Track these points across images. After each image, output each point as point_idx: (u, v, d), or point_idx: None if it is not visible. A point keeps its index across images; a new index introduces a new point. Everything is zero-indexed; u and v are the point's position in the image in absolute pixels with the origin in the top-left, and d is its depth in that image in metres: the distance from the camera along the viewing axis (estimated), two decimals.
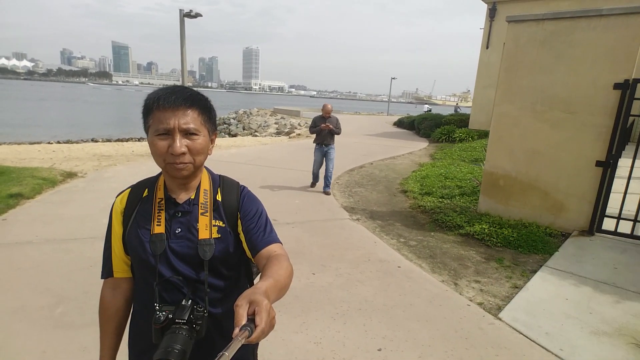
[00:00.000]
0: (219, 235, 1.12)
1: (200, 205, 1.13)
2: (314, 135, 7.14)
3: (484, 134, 13.43)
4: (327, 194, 6.89)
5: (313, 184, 7.37)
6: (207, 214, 1.13)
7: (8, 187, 5.79)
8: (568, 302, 3.39)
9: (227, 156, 10.34)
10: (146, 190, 1.17)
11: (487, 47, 14.90)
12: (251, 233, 1.13)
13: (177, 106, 1.02)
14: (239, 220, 1.16)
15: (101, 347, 1.20)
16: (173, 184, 1.13)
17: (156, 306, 1.05)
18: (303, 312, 3.12)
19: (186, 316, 1.01)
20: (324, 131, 6.91)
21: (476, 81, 15.45)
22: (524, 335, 2.92)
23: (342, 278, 3.74)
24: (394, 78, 37.91)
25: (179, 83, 10.25)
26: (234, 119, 26.03)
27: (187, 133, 1.04)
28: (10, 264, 3.67)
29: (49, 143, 14.96)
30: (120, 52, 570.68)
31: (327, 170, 7.02)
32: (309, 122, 7.87)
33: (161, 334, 0.99)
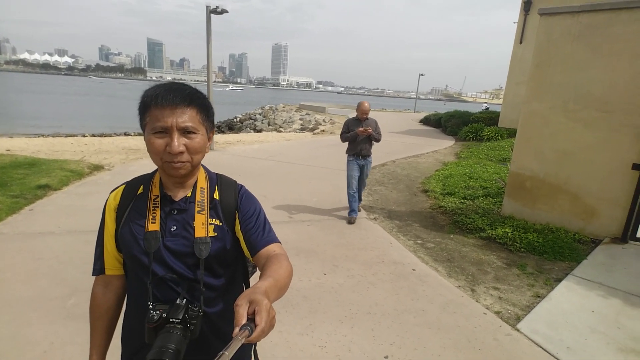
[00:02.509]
0: (216, 234, 1.10)
1: (196, 203, 1.11)
2: (345, 142, 5.34)
3: (514, 133, 12.81)
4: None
5: (352, 217, 5.22)
6: (204, 212, 1.11)
7: (37, 179, 6.03)
8: (594, 314, 3.17)
9: (250, 152, 10.41)
10: (141, 187, 1.16)
11: (521, 42, 14.28)
12: (250, 233, 1.11)
13: (175, 104, 1.00)
14: (237, 220, 1.14)
15: (91, 346, 1.20)
16: (169, 182, 1.12)
17: (150, 305, 1.03)
18: (310, 313, 3.06)
19: (180, 315, 0.98)
20: (360, 137, 5.14)
21: (508, 77, 14.85)
22: (542, 348, 2.75)
23: (353, 279, 3.66)
24: (422, 74, 37.13)
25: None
26: (259, 114, 26.25)
27: (185, 132, 1.02)
28: (32, 254, 3.80)
29: (83, 136, 15.57)
30: (154, 49, 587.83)
31: (359, 188, 5.43)
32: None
33: (154, 333, 0.96)
